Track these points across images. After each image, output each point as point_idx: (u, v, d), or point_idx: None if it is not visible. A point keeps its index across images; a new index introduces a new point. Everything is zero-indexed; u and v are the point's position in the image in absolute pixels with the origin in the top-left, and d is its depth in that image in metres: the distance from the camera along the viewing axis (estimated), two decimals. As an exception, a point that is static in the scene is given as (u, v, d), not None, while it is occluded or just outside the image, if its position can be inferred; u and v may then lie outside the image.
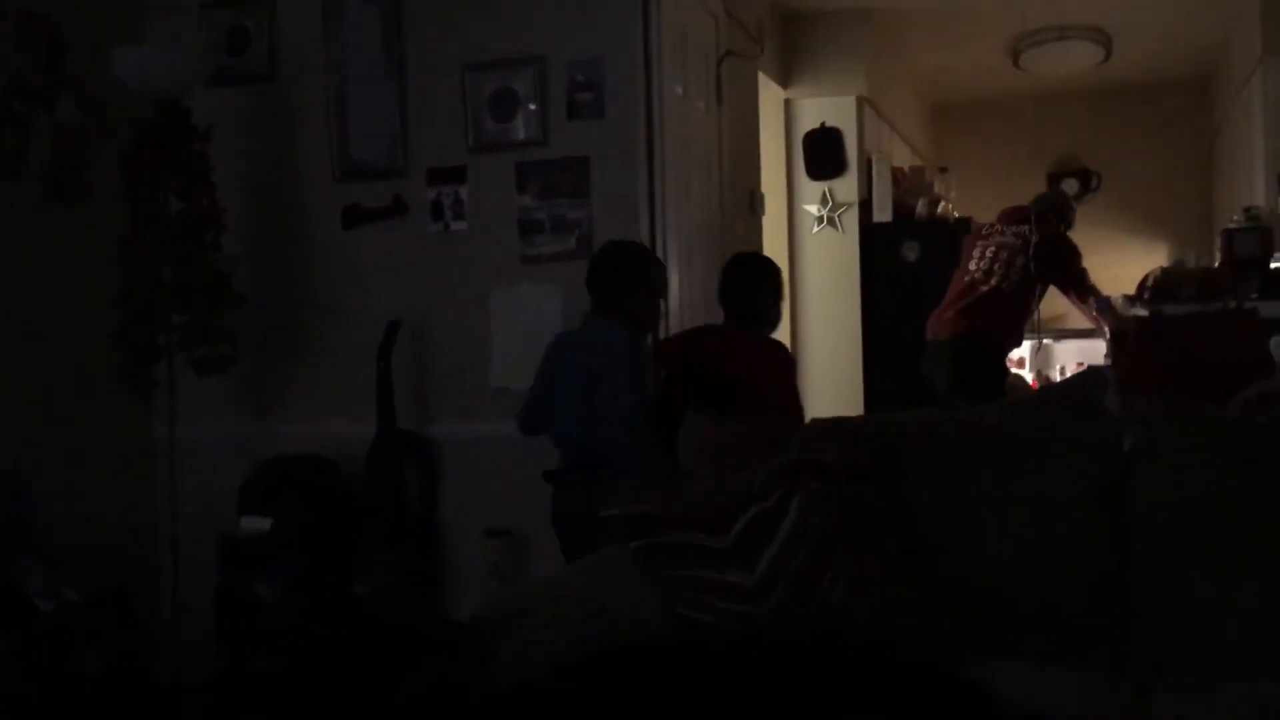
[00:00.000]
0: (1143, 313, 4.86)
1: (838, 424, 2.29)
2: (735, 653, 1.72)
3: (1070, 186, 8.83)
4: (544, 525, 3.51)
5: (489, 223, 3.72)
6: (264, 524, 3.42)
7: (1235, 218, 6.25)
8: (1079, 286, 5.08)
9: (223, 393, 3.80)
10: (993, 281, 5.04)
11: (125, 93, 3.53)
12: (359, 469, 3.64)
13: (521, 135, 3.69)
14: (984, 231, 5.33)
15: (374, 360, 3.60)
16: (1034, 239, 5.06)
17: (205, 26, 3.99)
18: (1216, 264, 6.20)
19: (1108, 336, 5.22)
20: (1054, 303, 5.40)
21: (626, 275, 3.19)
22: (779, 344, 3.70)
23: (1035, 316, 5.46)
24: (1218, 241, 6.48)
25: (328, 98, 3.89)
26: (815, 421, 2.48)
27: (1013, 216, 5.26)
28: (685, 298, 3.93)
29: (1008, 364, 5.33)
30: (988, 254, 5.16)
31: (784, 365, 3.61)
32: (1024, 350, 6.16)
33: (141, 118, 3.52)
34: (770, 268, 3.72)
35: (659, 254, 3.68)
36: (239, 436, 3.86)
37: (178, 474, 3.61)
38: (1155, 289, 4.97)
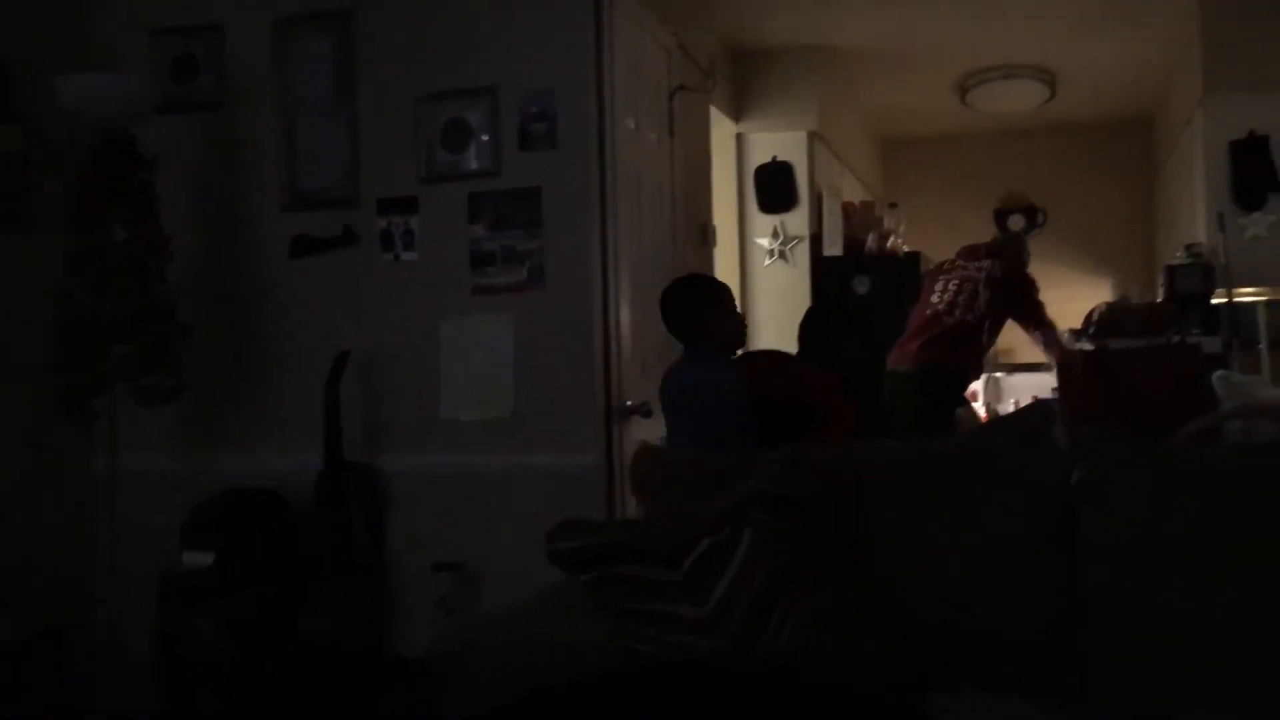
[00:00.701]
0: (1088, 347, 4.94)
1: (791, 455, 2.29)
2: (687, 688, 1.70)
3: (1016, 223, 8.98)
4: (494, 558, 3.48)
5: (440, 253, 3.70)
6: (207, 559, 3.35)
7: (1177, 254, 6.39)
8: (1037, 319, 5.16)
9: (166, 424, 3.73)
10: (957, 314, 5.11)
11: (70, 120, 3.48)
12: (306, 502, 3.58)
13: (474, 166, 3.68)
14: (945, 266, 5.41)
15: (322, 391, 3.55)
16: (997, 272, 5.14)
17: (153, 54, 3.94)
18: (1159, 299, 6.32)
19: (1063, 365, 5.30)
20: (1005, 336, 5.47)
21: (699, 305, 3.53)
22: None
23: (993, 350, 5.55)
24: (1161, 277, 6.62)
25: (277, 126, 3.85)
26: (768, 453, 2.48)
27: (973, 252, 5.35)
28: (637, 330, 3.92)
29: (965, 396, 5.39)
30: (951, 286, 5.23)
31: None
32: (976, 383, 6.23)
33: (87, 145, 3.47)
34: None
35: (609, 286, 3.68)
36: (182, 469, 3.78)
37: (118, 508, 3.53)
38: (1100, 324, 5.06)
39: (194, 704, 3.33)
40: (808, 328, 4.28)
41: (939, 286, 5.28)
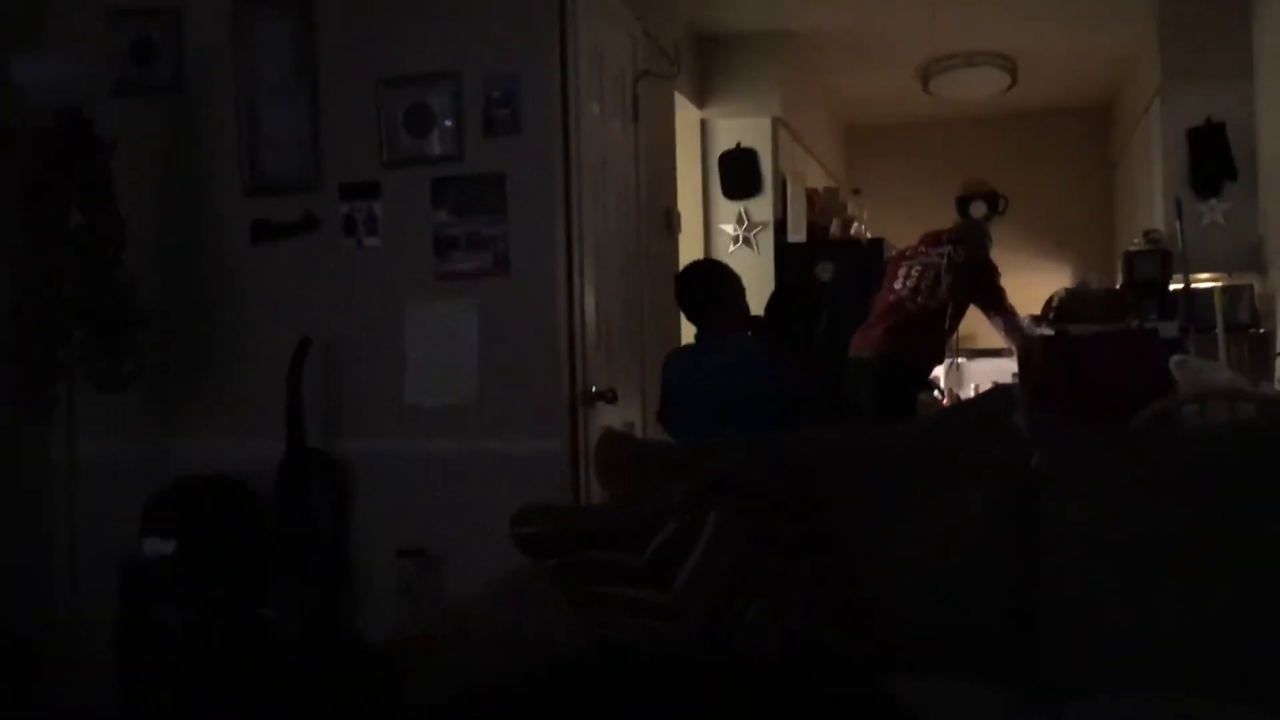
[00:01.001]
0: (1048, 332, 4.98)
1: (753, 442, 2.30)
2: (651, 676, 1.71)
3: (978, 209, 9.02)
4: (458, 544, 3.47)
5: (404, 239, 3.68)
6: (167, 547, 3.32)
7: (1136, 241, 6.46)
8: (997, 305, 5.20)
9: (125, 411, 3.70)
10: (919, 300, 5.13)
11: (25, 101, 3.42)
12: (268, 489, 3.56)
13: (437, 151, 3.65)
14: (907, 252, 5.43)
15: (284, 378, 3.53)
16: (959, 258, 5.17)
17: (110, 35, 3.88)
18: (1118, 285, 6.40)
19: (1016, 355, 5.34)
20: (967, 321, 5.51)
21: (732, 286, 3.75)
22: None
23: (955, 336, 5.58)
24: (1119, 263, 6.70)
25: (237, 110, 3.81)
26: (731, 439, 2.49)
27: (935, 238, 5.37)
28: (602, 316, 3.92)
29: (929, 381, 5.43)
30: (913, 273, 5.26)
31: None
32: (939, 369, 6.28)
33: (41, 128, 3.41)
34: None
35: (574, 272, 3.68)
36: (142, 456, 3.74)
37: (77, 495, 3.49)
38: (1060, 309, 5.11)
39: (156, 693, 3.30)
40: (772, 312, 4.32)
41: (901, 273, 5.31)
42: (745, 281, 6.59)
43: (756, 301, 5.89)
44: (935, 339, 5.16)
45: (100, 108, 3.49)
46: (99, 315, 3.39)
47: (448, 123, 3.63)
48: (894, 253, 5.78)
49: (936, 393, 5.94)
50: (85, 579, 3.48)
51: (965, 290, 5.18)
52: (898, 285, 5.25)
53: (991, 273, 5.26)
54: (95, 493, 3.58)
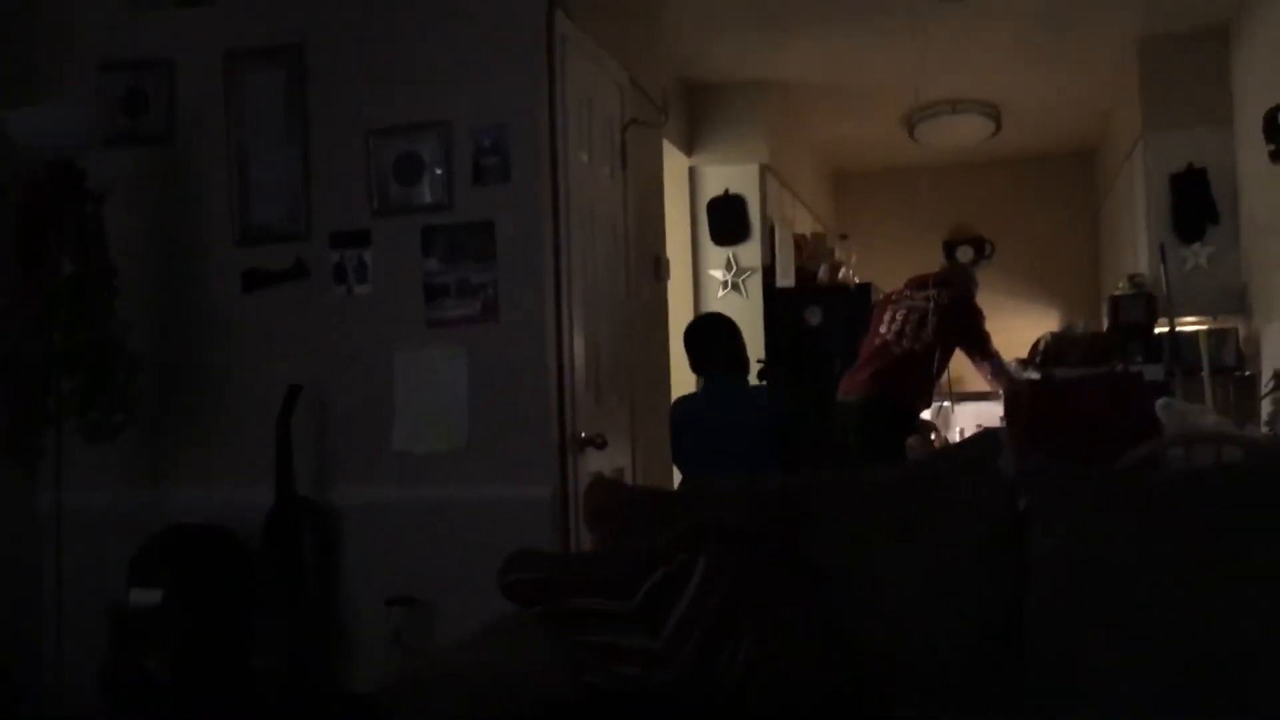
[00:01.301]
0: (1035, 376, 5.01)
1: (744, 485, 2.31)
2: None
3: (965, 254, 9.12)
4: (448, 591, 3.46)
5: (393, 286, 3.70)
6: (155, 596, 3.30)
7: (1120, 285, 6.51)
8: (981, 348, 5.24)
9: (114, 460, 3.69)
10: (904, 344, 5.17)
11: (18, 153, 3.45)
12: (256, 537, 3.55)
13: (427, 199, 3.68)
14: (893, 296, 5.47)
15: (273, 426, 3.53)
16: (944, 300, 5.22)
17: (102, 87, 3.92)
18: (1104, 329, 6.44)
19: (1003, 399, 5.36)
20: (955, 365, 5.55)
21: (723, 338, 3.97)
22: None
23: (945, 378, 5.61)
24: (1105, 307, 6.75)
25: (228, 160, 3.84)
26: (719, 483, 2.50)
27: (920, 282, 5.41)
28: (591, 362, 3.93)
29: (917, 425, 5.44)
30: (898, 317, 5.29)
31: None
32: (926, 413, 6.30)
33: (33, 178, 3.43)
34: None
35: (563, 318, 3.70)
36: (130, 505, 3.73)
37: (64, 544, 3.47)
38: (1046, 353, 5.13)
39: (142, 744, 3.27)
40: (787, 358, 4.48)
41: (887, 317, 5.34)
42: (735, 327, 6.64)
43: (750, 347, 5.95)
44: (922, 382, 5.19)
45: (92, 158, 3.51)
46: (89, 364, 3.40)
47: (437, 171, 3.67)
48: (881, 297, 5.82)
49: (934, 435, 5.96)
50: (72, 628, 3.45)
51: (950, 333, 5.22)
52: (883, 329, 5.29)
53: (976, 316, 5.31)
54: (83, 542, 3.56)
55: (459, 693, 1.95)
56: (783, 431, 3.87)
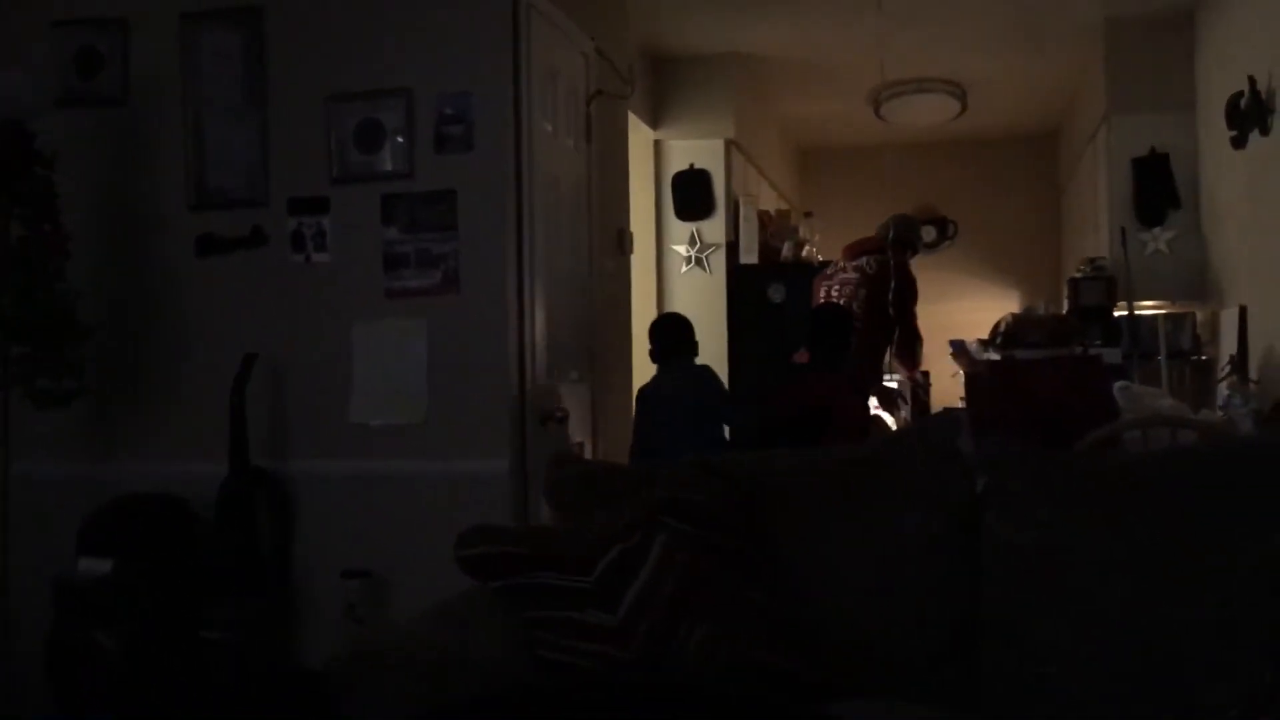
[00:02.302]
0: (995, 357, 5.03)
1: (703, 463, 2.29)
2: (592, 699, 1.69)
3: (928, 234, 9.13)
4: (404, 565, 3.43)
5: (352, 255, 3.64)
6: (104, 566, 3.25)
7: (1082, 268, 6.55)
8: (903, 321, 5.21)
9: (64, 428, 3.62)
10: None
11: (-36, 112, 3.35)
12: (210, 508, 3.50)
13: (388, 167, 3.63)
14: (828, 271, 5.47)
15: (228, 395, 3.47)
16: (872, 269, 5.20)
17: (54, 46, 3.82)
18: (1065, 311, 6.48)
19: (909, 384, 5.40)
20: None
21: (686, 333, 4.47)
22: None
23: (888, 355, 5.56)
24: (1065, 290, 6.80)
25: (184, 124, 3.76)
26: (679, 461, 2.48)
27: (854, 250, 5.40)
28: (553, 334, 3.90)
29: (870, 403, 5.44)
30: (832, 293, 5.30)
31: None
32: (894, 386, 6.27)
33: (-19, 138, 3.35)
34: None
35: (525, 291, 3.67)
36: (80, 474, 3.67)
37: (11, 513, 3.40)
38: (1007, 334, 5.15)
39: (91, 716, 3.22)
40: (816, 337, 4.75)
41: (822, 294, 5.35)
42: (697, 302, 6.69)
43: (709, 322, 5.94)
44: (862, 355, 5.15)
45: (43, 120, 3.42)
46: (38, 331, 3.32)
47: (399, 139, 3.61)
48: (820, 270, 5.81)
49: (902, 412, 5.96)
50: (18, 599, 3.39)
51: (879, 304, 5.19)
52: (820, 298, 5.29)
53: (904, 287, 5.27)
54: (30, 511, 3.50)
55: (414, 668, 1.93)
56: (720, 398, 4.46)
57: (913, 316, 5.33)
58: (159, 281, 3.78)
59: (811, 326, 4.82)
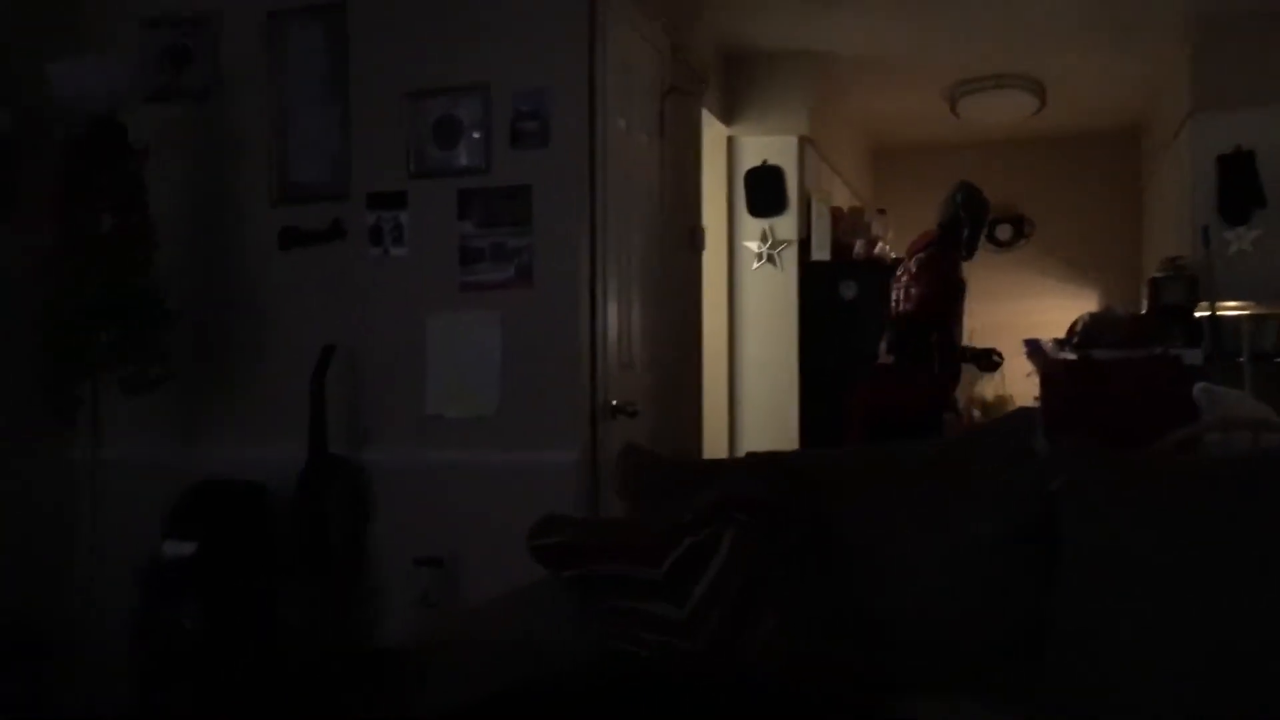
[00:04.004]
0: (1071, 356, 4.96)
1: (772, 459, 2.30)
2: (662, 688, 1.71)
3: (1004, 232, 9.02)
4: (476, 553, 3.48)
5: (429, 249, 3.70)
6: (187, 548, 3.34)
7: (1162, 267, 6.42)
8: (925, 311, 5.07)
9: (150, 414, 3.73)
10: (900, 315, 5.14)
11: (61, 107, 3.47)
12: (288, 494, 3.58)
13: (464, 162, 3.68)
14: (898, 271, 5.43)
15: (307, 384, 3.55)
16: (916, 268, 5.13)
17: (145, 43, 3.94)
18: (1144, 311, 6.36)
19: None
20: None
21: None
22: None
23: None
24: (1145, 289, 6.66)
25: (268, 118, 3.86)
26: (750, 456, 2.49)
27: (914, 246, 5.35)
28: (624, 328, 3.93)
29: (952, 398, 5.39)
30: (898, 292, 5.26)
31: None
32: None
33: (76, 132, 3.46)
34: None
35: (597, 285, 3.70)
36: (165, 459, 3.78)
37: (100, 497, 3.52)
38: (1084, 333, 5.08)
39: (172, 695, 3.32)
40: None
41: (892, 294, 5.31)
42: (769, 298, 6.66)
43: (779, 319, 5.92)
44: (927, 351, 5.09)
45: (134, 114, 3.53)
46: (127, 318, 3.43)
47: (475, 134, 3.66)
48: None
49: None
50: (104, 580, 3.51)
51: (926, 296, 5.07)
52: (892, 304, 5.26)
53: (935, 280, 5.09)
54: (117, 494, 3.61)
55: (485, 653, 1.97)
56: None
57: (950, 317, 5.18)
58: (242, 272, 3.88)
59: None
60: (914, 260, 5.24)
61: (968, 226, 5.26)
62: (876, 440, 4.07)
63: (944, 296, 5.08)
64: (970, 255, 5.29)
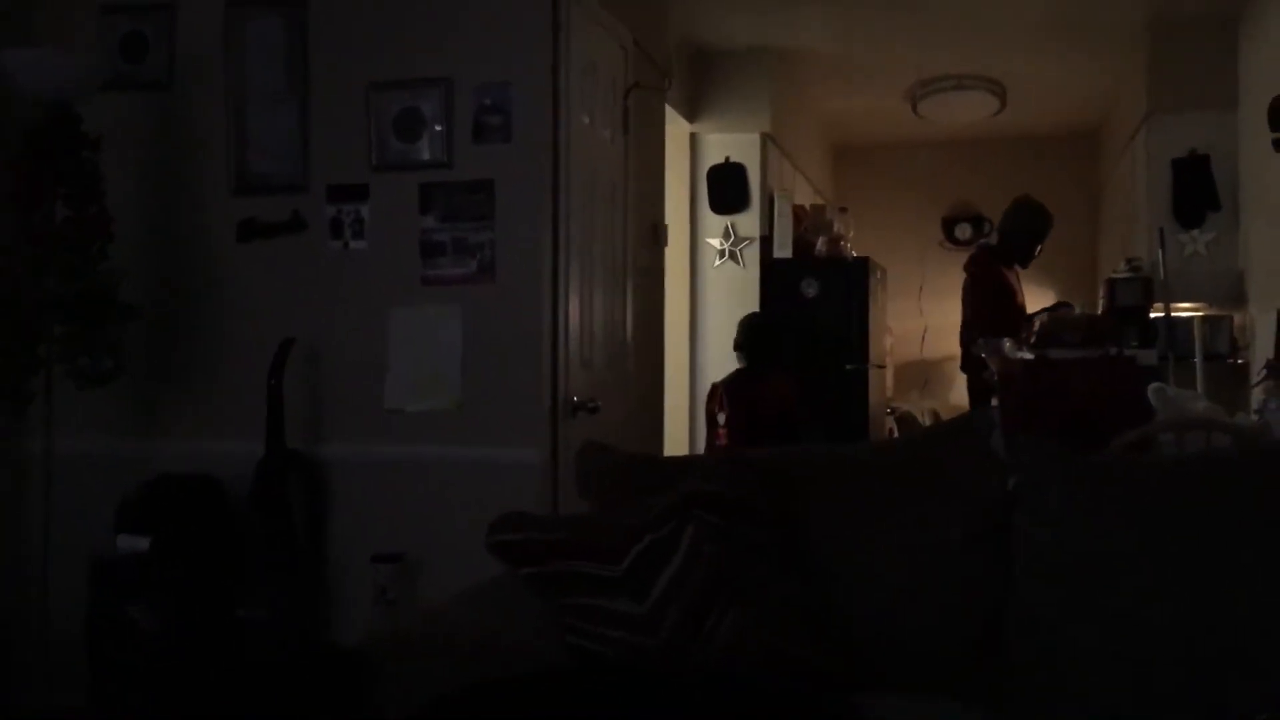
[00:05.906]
0: (1029, 356, 5.00)
1: (733, 457, 2.31)
2: (622, 686, 1.71)
3: (963, 231, 9.10)
4: (435, 550, 3.47)
5: (390, 242, 3.68)
6: (142, 544, 3.31)
7: (1118, 268, 6.50)
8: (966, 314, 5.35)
9: (105, 407, 3.68)
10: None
11: (14, 95, 3.41)
12: (245, 489, 3.55)
13: (426, 156, 3.66)
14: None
15: (265, 378, 3.52)
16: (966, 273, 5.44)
17: (102, 30, 3.88)
18: (1100, 311, 6.43)
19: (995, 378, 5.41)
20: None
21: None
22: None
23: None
24: (1101, 290, 6.74)
25: (227, 109, 3.81)
26: (711, 453, 2.50)
27: (967, 261, 5.70)
28: (586, 324, 3.92)
29: None
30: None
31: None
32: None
33: (30, 122, 3.40)
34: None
35: (560, 281, 3.69)
36: (119, 453, 3.72)
37: (52, 490, 3.46)
38: (1041, 334, 5.13)
39: (127, 692, 3.28)
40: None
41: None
42: (730, 295, 6.75)
43: (738, 316, 5.96)
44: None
45: (90, 103, 3.48)
46: (81, 310, 3.38)
47: (438, 128, 3.64)
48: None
49: None
50: (58, 575, 3.45)
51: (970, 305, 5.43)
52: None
53: (971, 287, 5.46)
54: (70, 488, 3.56)
55: (444, 650, 1.96)
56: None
57: (978, 314, 5.45)
58: (200, 264, 3.83)
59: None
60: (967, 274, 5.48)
61: (1023, 237, 5.70)
62: None
63: (992, 307, 5.43)
64: (1024, 265, 5.80)
